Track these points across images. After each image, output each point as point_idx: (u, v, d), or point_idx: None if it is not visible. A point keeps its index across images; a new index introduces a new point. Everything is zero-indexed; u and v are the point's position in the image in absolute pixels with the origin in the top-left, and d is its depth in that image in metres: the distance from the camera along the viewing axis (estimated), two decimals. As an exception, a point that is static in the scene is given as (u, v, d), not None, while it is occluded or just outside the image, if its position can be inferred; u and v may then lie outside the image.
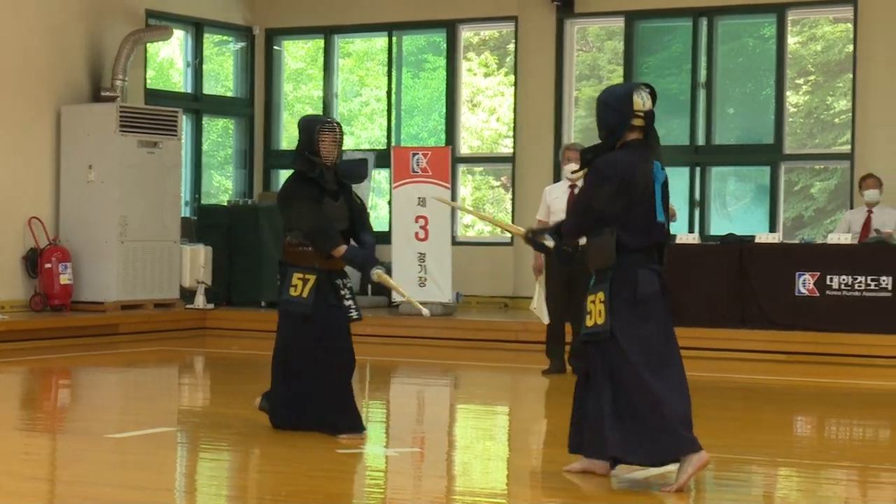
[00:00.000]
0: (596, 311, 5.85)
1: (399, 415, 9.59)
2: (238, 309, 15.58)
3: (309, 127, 7.29)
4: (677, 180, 15.20)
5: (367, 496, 6.17)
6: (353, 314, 7.19)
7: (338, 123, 7.44)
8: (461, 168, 17.54)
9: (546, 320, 11.33)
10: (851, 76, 14.92)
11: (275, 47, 18.06)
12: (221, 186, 18.50)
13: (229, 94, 17.99)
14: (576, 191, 10.38)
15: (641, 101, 6.04)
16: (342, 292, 7.17)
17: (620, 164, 5.92)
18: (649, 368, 5.77)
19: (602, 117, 6.14)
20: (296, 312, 7.18)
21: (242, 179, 18.00)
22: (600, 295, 5.85)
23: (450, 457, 7.50)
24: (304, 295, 7.16)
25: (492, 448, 7.89)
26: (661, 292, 6.02)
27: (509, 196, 17.49)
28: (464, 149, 17.51)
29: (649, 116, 5.97)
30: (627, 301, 5.81)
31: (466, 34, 17.53)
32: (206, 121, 17.33)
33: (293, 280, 7.23)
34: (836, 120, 16.20)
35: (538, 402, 10.57)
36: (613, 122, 6.04)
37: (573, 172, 10.11)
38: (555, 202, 11.21)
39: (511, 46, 16.75)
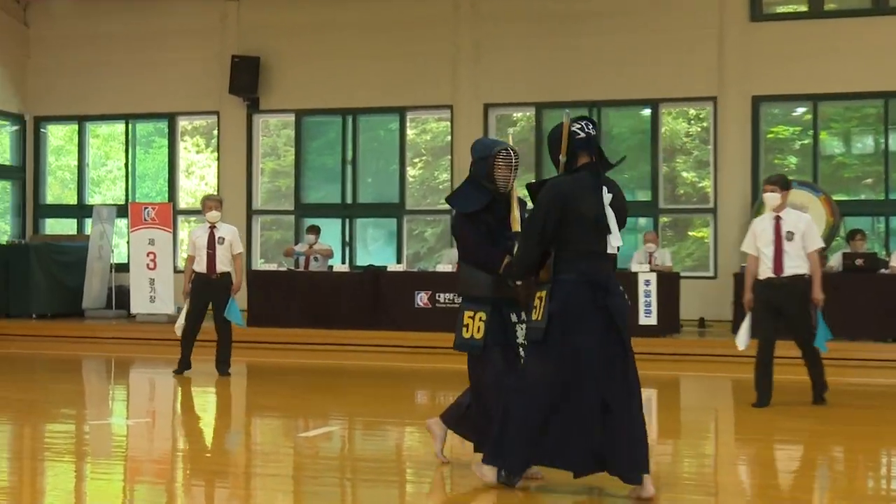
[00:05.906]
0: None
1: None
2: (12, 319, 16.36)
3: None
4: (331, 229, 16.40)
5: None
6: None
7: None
8: (181, 218, 18.60)
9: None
10: (450, 157, 17.12)
11: (41, 129, 19.50)
12: (1, 230, 19.37)
13: (6, 163, 19.21)
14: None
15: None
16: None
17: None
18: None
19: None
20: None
21: (18, 225, 19.31)
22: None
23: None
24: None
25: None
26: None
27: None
28: (182, 204, 18.79)
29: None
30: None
31: (183, 123, 19.10)
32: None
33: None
34: (440, 186, 17.88)
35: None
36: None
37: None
38: None
39: (215, 132, 18.30)
